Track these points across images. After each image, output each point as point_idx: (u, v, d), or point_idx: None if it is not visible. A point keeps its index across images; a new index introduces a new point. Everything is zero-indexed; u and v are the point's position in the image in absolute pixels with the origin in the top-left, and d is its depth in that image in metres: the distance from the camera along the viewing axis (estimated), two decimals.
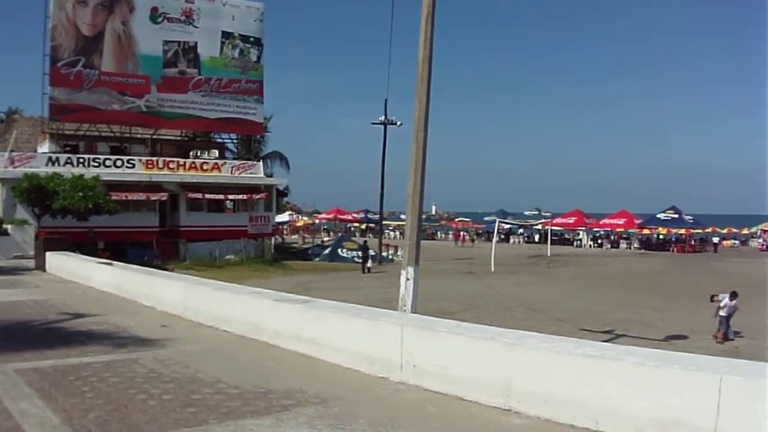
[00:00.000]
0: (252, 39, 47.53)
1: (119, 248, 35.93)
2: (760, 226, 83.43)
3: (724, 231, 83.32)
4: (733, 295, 19.26)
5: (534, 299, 26.85)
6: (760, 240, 78.35)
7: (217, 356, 10.73)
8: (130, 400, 7.97)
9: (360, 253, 46.11)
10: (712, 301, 19.73)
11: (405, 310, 12.61)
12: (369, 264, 42.39)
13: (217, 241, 42.29)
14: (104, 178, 36.78)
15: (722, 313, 19.02)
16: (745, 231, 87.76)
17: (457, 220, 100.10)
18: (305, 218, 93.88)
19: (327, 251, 49.84)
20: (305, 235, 74.42)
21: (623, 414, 6.65)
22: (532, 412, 7.36)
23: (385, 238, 58.19)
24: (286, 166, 58.76)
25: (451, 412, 7.63)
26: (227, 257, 42.04)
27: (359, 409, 7.70)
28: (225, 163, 46.80)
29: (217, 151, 51.05)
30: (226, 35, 46.30)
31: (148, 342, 11.78)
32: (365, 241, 47.89)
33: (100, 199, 33.95)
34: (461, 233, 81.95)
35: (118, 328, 13.23)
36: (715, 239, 76.26)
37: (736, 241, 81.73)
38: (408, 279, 12.98)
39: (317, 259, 48.41)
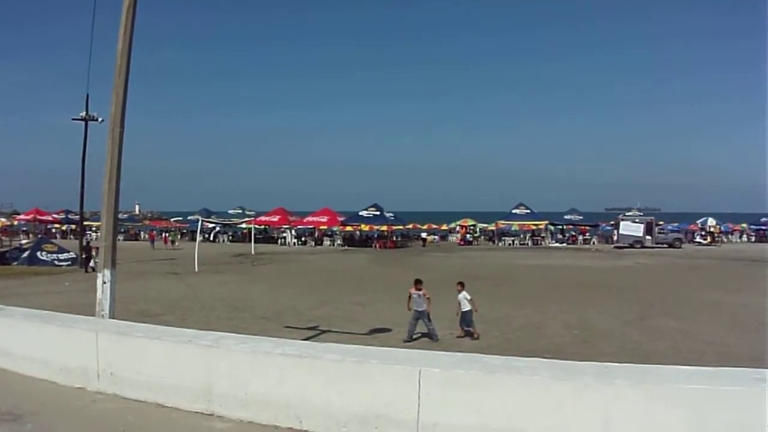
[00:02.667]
0: None
1: None
2: (458, 222, 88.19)
3: (425, 227, 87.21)
4: (462, 286, 18.11)
5: (238, 298, 26.31)
6: (458, 235, 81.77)
7: None
8: None
9: (60, 255, 44.04)
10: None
11: (103, 315, 11.84)
12: (92, 263, 39.86)
13: None
14: None
15: (464, 308, 17.77)
16: (444, 227, 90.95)
17: (173, 220, 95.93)
18: (3, 219, 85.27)
19: (25, 254, 45.30)
20: (3, 238, 66.88)
21: (326, 411, 6.72)
22: (235, 415, 7.26)
23: (88, 239, 54.82)
24: None
25: (152, 420, 7.45)
26: None
27: (54, 424, 7.34)
28: None
29: None
30: None
31: None
32: (88, 242, 44.77)
33: None
34: (163, 234, 78.24)
35: None
36: (424, 235, 79.99)
37: (436, 237, 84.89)
38: (105, 282, 12.15)
39: (15, 263, 44.03)
